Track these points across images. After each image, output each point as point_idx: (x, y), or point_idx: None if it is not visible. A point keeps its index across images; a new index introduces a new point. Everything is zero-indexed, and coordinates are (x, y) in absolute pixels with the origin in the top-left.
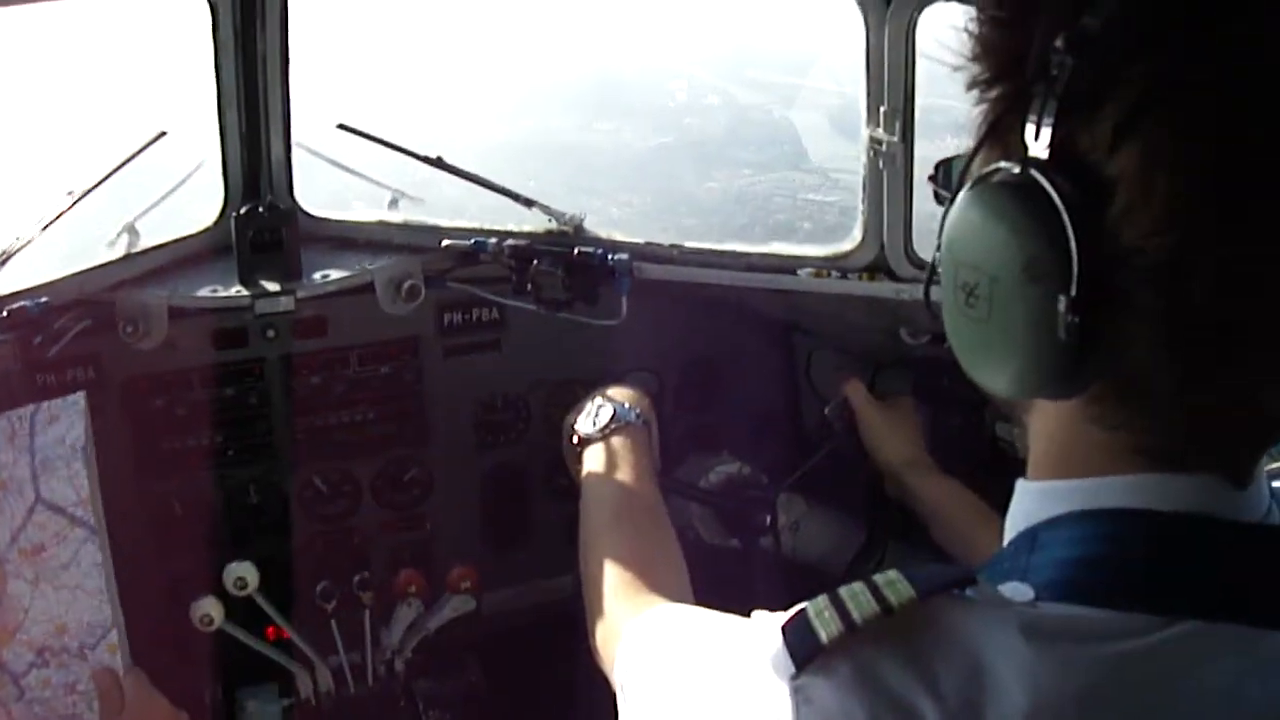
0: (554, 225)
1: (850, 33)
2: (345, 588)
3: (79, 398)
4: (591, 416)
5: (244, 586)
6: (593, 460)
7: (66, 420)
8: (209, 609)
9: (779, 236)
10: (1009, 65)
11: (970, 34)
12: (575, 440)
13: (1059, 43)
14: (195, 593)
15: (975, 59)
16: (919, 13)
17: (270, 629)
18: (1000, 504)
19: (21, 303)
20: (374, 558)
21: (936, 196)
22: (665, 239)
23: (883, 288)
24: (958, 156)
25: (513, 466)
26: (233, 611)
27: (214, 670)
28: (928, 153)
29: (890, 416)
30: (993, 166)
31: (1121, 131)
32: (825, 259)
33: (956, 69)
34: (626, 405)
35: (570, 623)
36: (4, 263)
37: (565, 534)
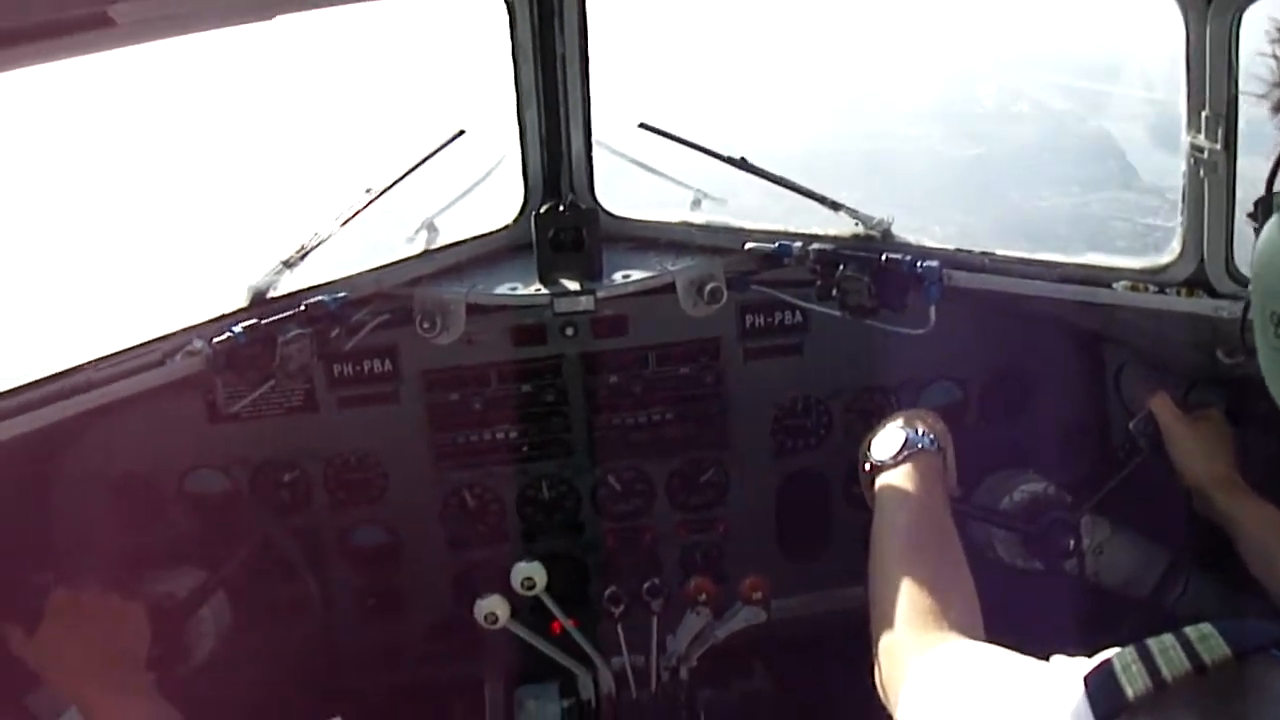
0: (861, 230)
1: (1165, 35)
2: (634, 593)
3: None
4: (885, 442)
5: (531, 587)
6: (885, 488)
7: None
8: (495, 607)
9: None
10: None
11: (1276, 57)
12: (869, 467)
13: None
14: (482, 589)
15: None
16: (1242, 11)
17: (556, 624)
18: None
19: (319, 297)
20: (665, 559)
21: (1257, 233)
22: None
23: (1201, 304)
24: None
25: (811, 472)
26: (518, 610)
27: (495, 666)
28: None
29: (1199, 431)
30: None
31: None
32: (1141, 272)
33: (1260, 97)
34: (920, 430)
35: (862, 634)
36: (303, 258)
37: (861, 543)
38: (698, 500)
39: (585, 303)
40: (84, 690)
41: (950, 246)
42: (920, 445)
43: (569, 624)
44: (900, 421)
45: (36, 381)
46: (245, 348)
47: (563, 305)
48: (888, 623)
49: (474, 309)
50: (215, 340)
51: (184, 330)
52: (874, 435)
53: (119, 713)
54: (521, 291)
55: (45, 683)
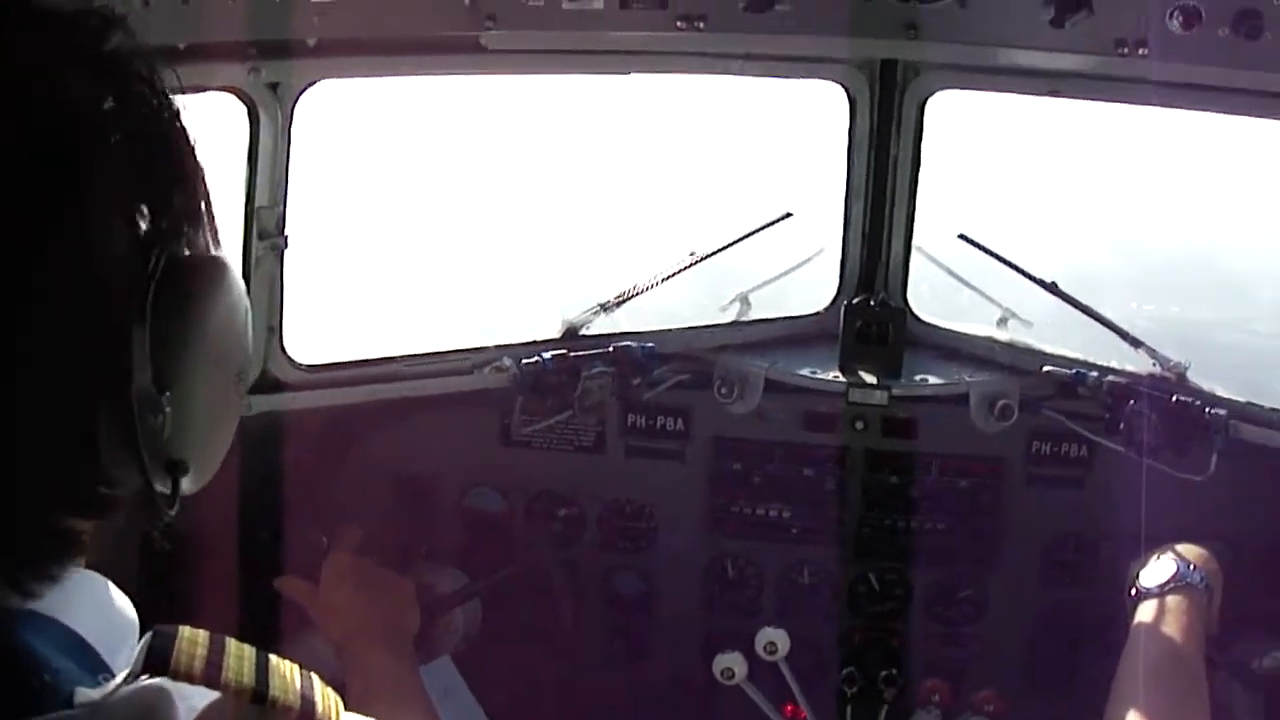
0: (1157, 369)
1: None
2: (871, 679)
3: None
4: (1155, 571)
5: (773, 651)
6: (1144, 615)
7: None
8: (733, 664)
9: None
10: None
11: None
12: (1134, 592)
13: None
14: (724, 646)
15: None
16: None
17: (789, 706)
18: None
19: (629, 343)
20: (908, 664)
21: None
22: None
23: None
24: None
25: (1071, 607)
26: (754, 672)
27: None
28: None
29: None
30: None
31: None
32: None
33: None
34: (1191, 566)
35: None
36: (619, 304)
37: (1110, 687)
38: (953, 614)
39: (879, 397)
40: (353, 645)
41: (1242, 399)
42: (1188, 580)
43: (803, 702)
44: (1173, 554)
45: (351, 362)
46: (551, 374)
47: (857, 395)
48: None
49: (772, 385)
50: (524, 361)
51: (496, 347)
52: (1145, 562)
53: (379, 673)
54: (820, 376)
55: (306, 634)
